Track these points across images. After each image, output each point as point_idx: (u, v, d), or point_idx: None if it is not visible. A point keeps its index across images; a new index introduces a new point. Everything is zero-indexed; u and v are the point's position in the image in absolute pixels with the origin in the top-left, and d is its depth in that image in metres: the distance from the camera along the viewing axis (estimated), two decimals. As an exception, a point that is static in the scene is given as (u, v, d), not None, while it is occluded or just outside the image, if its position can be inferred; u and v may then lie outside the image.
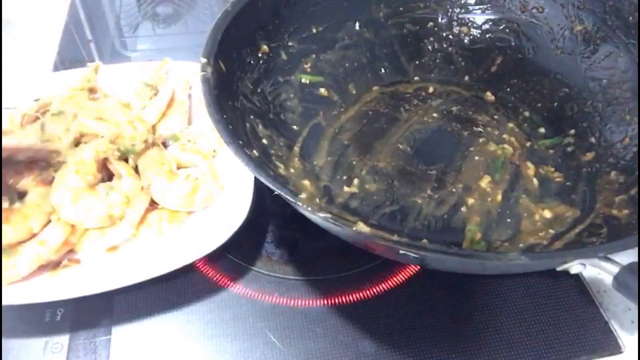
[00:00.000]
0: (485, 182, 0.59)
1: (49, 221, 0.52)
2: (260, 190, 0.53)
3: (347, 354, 0.49)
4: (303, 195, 0.51)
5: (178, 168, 0.59)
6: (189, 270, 0.54)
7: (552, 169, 0.60)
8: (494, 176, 0.59)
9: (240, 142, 0.46)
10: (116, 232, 0.53)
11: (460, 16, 0.72)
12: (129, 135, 0.58)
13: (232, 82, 0.55)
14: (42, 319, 0.51)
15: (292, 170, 0.56)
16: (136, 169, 0.58)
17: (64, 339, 0.50)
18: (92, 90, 0.64)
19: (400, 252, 0.39)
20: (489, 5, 0.71)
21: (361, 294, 0.53)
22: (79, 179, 0.53)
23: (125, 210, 0.54)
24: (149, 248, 0.54)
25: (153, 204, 0.56)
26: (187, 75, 0.67)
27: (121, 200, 0.54)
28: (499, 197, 0.58)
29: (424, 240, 0.50)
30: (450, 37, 0.72)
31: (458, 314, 0.52)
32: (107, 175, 0.57)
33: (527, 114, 0.66)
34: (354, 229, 0.41)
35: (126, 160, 0.58)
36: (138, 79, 0.66)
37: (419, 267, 0.55)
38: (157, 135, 0.61)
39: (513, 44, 0.70)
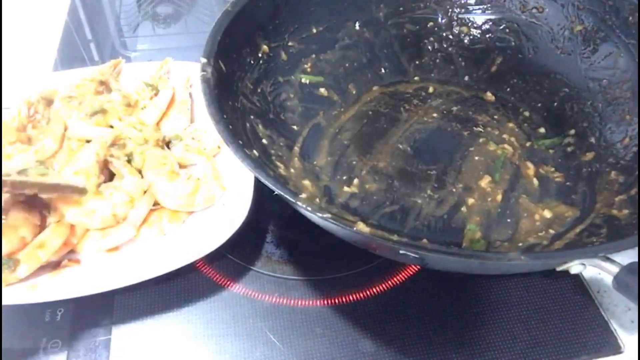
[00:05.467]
0: (485, 182, 0.59)
1: (40, 230, 0.52)
2: (260, 190, 0.53)
3: (347, 354, 0.49)
4: (303, 195, 0.51)
5: (181, 167, 0.59)
6: (189, 270, 0.54)
7: (552, 169, 0.60)
8: (494, 176, 0.59)
9: (240, 142, 0.46)
10: (118, 234, 0.53)
11: (460, 16, 0.72)
12: (133, 137, 0.58)
13: (232, 82, 0.55)
14: (42, 319, 0.51)
15: (292, 170, 0.56)
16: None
17: (64, 339, 0.50)
18: (102, 84, 0.65)
19: (400, 252, 0.39)
20: (489, 5, 0.71)
21: (361, 294, 0.53)
22: (82, 180, 0.53)
23: (128, 209, 0.54)
24: (149, 248, 0.54)
25: (154, 204, 0.56)
26: (187, 74, 0.67)
27: (125, 199, 0.54)
28: (499, 197, 0.58)
29: (424, 240, 0.50)
30: (450, 37, 0.72)
31: (458, 314, 0.52)
32: (109, 175, 0.58)
33: (527, 114, 0.66)
34: (354, 229, 0.41)
35: (129, 161, 0.58)
36: (138, 79, 0.66)
37: (419, 267, 0.55)
38: (159, 135, 0.61)
39: (513, 44, 0.70)
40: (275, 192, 0.42)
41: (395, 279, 0.55)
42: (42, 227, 0.52)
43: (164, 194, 0.55)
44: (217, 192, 0.56)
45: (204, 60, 0.51)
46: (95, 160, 0.55)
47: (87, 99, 0.61)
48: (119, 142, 0.58)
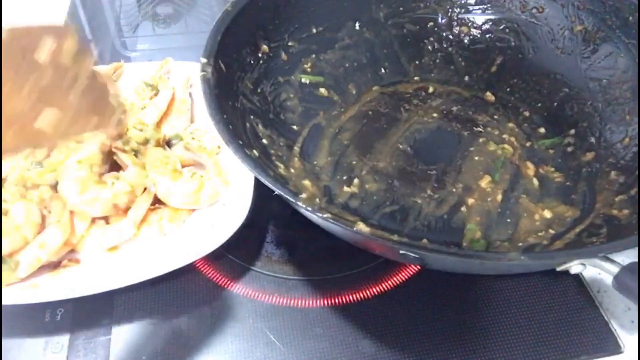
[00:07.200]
0: (485, 182, 0.59)
1: (41, 229, 0.52)
2: (260, 190, 0.53)
3: (347, 354, 0.49)
4: (303, 195, 0.51)
5: (183, 167, 0.59)
6: (189, 270, 0.54)
7: (552, 169, 0.60)
8: (494, 176, 0.59)
9: (240, 142, 0.46)
10: (118, 232, 0.53)
11: (460, 16, 0.72)
12: (134, 137, 0.58)
13: (232, 82, 0.55)
14: (42, 319, 0.51)
15: (292, 170, 0.56)
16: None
17: (64, 339, 0.50)
18: None
19: (401, 252, 0.39)
20: (489, 5, 0.71)
21: (361, 294, 0.53)
22: (85, 168, 0.54)
23: (129, 200, 0.54)
24: (149, 248, 0.54)
25: (153, 204, 0.56)
26: (187, 74, 0.67)
27: (126, 189, 0.54)
28: (499, 197, 0.58)
29: (424, 240, 0.50)
30: (450, 37, 0.72)
31: (458, 314, 0.52)
32: (113, 167, 0.58)
33: (527, 114, 0.66)
34: (354, 229, 0.41)
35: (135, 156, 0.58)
36: (138, 79, 0.66)
37: (419, 267, 0.55)
38: (160, 135, 0.61)
39: (513, 44, 0.70)
40: (275, 192, 0.42)
41: (395, 279, 0.55)
42: (42, 226, 0.52)
43: (168, 193, 0.55)
44: (221, 188, 0.56)
45: (204, 60, 0.51)
46: (99, 150, 0.55)
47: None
48: (125, 136, 0.58)
